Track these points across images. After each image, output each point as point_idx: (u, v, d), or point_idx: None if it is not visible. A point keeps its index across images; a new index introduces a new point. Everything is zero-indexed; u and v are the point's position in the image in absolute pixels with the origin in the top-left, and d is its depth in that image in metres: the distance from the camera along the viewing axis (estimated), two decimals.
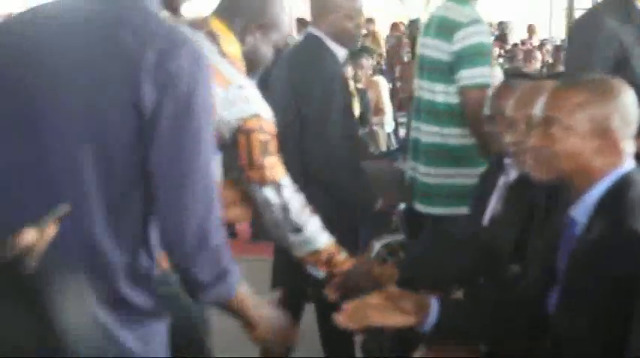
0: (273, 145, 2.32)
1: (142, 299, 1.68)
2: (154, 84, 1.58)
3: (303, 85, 3.22)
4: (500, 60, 10.33)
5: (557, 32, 16.32)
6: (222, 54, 2.33)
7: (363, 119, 6.62)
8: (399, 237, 3.78)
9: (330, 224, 2.52)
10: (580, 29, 3.21)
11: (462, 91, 3.30)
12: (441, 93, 3.37)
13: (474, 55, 3.29)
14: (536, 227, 2.29)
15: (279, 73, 3.37)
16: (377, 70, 9.29)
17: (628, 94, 1.92)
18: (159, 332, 1.74)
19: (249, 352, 3.06)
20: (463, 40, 3.29)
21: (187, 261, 1.66)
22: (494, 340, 2.14)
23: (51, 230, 1.41)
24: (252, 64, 2.35)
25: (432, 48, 3.40)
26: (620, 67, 2.95)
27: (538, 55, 9.19)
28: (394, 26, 13.61)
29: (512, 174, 2.71)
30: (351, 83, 6.35)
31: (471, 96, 3.28)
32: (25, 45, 1.66)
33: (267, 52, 2.39)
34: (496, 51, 8.71)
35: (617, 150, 1.89)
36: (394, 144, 7.26)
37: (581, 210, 1.90)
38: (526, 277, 2.17)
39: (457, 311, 2.10)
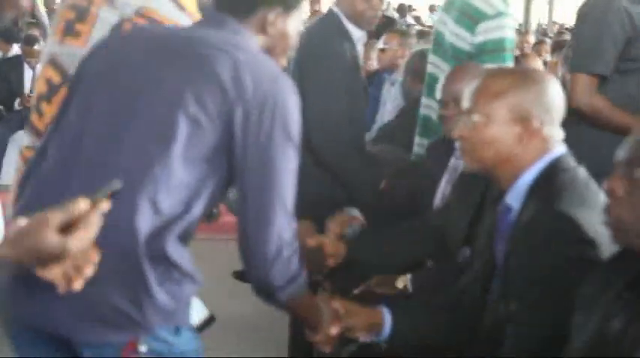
0: None
1: (183, 259, 1.78)
2: (245, 106, 1.75)
3: (307, 62, 3.20)
4: None
5: (537, 17, 16.27)
6: (181, 7, 2.38)
7: None
8: None
9: (336, 205, 2.52)
10: (590, 8, 3.10)
11: None
12: None
13: (495, 51, 3.23)
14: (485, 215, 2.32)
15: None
16: None
17: (548, 82, 1.96)
18: (187, 293, 1.82)
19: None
20: (486, 33, 3.23)
21: (265, 269, 1.82)
22: (449, 341, 2.16)
23: (104, 204, 1.41)
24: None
25: (452, 33, 3.34)
26: (631, 46, 2.92)
27: None
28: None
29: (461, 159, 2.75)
30: None
31: None
32: (134, 53, 1.88)
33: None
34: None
35: (540, 137, 1.92)
36: None
37: (515, 196, 1.93)
38: (471, 269, 2.20)
39: (409, 320, 2.14)
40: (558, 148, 1.95)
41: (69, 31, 2.51)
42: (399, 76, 4.84)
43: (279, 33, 1.96)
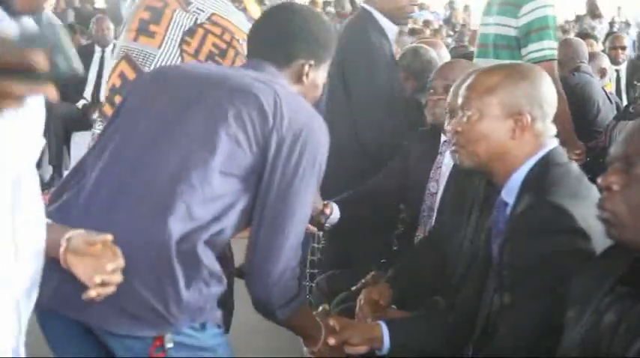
0: None
1: (211, 261, 1.89)
2: (280, 135, 1.90)
3: (348, 62, 3.24)
4: (449, 40, 10.40)
5: None
6: (250, 19, 2.55)
7: None
8: None
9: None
10: None
11: None
12: None
13: (540, 29, 3.33)
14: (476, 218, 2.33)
15: None
16: None
17: (540, 78, 1.99)
18: (213, 293, 1.91)
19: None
20: (529, 13, 3.34)
21: (267, 291, 1.96)
22: (448, 345, 2.17)
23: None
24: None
25: (495, 25, 3.42)
26: None
27: None
28: None
29: (447, 155, 2.76)
30: None
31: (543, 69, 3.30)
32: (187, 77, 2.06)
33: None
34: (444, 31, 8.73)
35: (532, 131, 1.95)
36: None
37: (510, 192, 1.95)
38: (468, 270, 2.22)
39: (406, 332, 2.17)
40: (551, 143, 1.97)
41: (143, 30, 2.66)
42: None
43: (311, 83, 2.13)
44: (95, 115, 2.72)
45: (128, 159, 1.93)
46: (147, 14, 2.69)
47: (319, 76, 2.16)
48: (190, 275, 1.83)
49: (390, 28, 3.35)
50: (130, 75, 2.62)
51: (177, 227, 1.82)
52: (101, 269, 1.66)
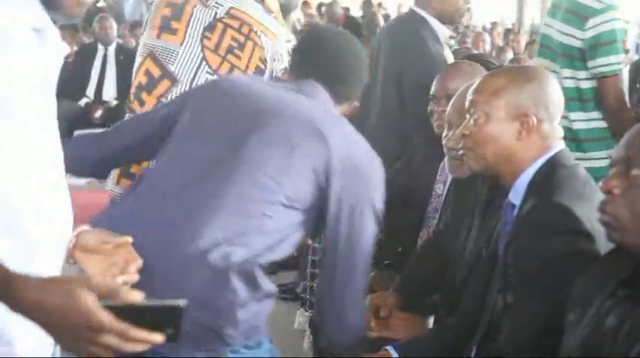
0: None
1: (265, 281, 1.98)
2: (343, 176, 1.98)
3: (407, 73, 3.23)
4: (452, 41, 10.38)
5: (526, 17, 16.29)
6: (269, 10, 2.62)
7: None
8: None
9: None
10: None
11: (601, 79, 3.30)
12: (568, 79, 3.35)
13: (609, 43, 3.28)
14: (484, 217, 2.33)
15: (380, 52, 3.38)
16: None
17: (545, 79, 2.00)
18: (266, 310, 2.00)
19: None
20: (597, 27, 3.28)
21: (348, 336, 2.06)
22: (452, 351, 2.17)
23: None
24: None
25: (559, 32, 3.38)
26: None
27: (487, 38, 9.25)
28: None
29: None
30: None
31: (611, 83, 3.29)
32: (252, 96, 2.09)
33: None
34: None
35: (539, 133, 1.95)
36: None
37: (516, 194, 1.96)
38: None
39: (415, 353, 2.17)
40: (558, 145, 1.98)
41: (165, 27, 2.70)
42: None
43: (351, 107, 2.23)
44: (125, 112, 2.83)
45: (190, 180, 1.97)
46: (168, 11, 2.72)
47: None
48: (247, 297, 1.92)
49: (443, 32, 3.35)
50: (155, 72, 2.65)
51: (238, 255, 1.90)
52: (114, 268, 1.65)
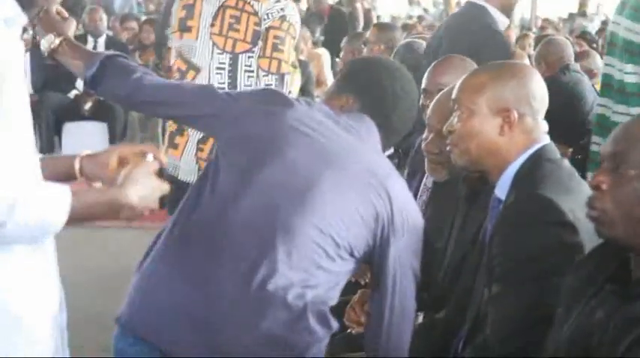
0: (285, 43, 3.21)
1: (331, 322, 2.04)
2: (399, 233, 2.02)
3: (480, 48, 3.25)
4: None
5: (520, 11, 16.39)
6: None
7: (305, 91, 6.63)
8: None
9: None
10: None
11: None
12: (632, 74, 3.34)
13: None
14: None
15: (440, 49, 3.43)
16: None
17: (528, 75, 2.02)
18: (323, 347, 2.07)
19: None
20: None
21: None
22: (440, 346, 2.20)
23: None
24: None
25: (624, 28, 3.38)
26: None
27: None
28: None
29: None
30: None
31: None
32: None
33: None
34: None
35: (521, 128, 1.97)
36: None
37: (502, 188, 1.97)
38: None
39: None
40: (543, 139, 1.99)
41: (183, 27, 3.25)
42: None
43: None
44: None
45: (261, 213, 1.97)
46: (183, 13, 3.24)
47: None
48: (322, 335, 2.01)
49: (502, 21, 3.42)
50: (183, 67, 3.24)
51: (309, 293, 1.97)
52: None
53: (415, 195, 2.90)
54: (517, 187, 1.92)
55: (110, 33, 8.14)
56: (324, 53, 7.97)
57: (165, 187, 1.62)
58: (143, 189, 1.56)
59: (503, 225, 1.88)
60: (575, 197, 1.82)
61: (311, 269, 1.96)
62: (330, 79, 7.71)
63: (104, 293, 3.96)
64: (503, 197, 1.96)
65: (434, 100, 2.45)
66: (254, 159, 2.00)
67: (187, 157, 3.27)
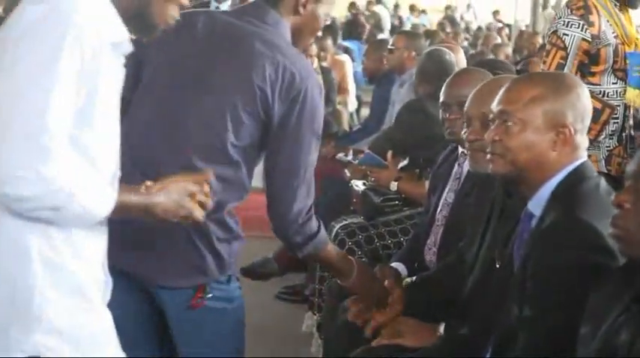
0: None
1: (234, 224, 2.19)
2: (281, 96, 2.09)
3: None
4: (465, 44, 10.37)
5: (522, 16, 16.43)
6: None
7: (327, 98, 6.62)
8: (357, 219, 3.81)
9: None
10: None
11: None
12: None
13: None
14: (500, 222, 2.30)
15: None
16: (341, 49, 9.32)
17: (581, 90, 1.96)
18: (235, 249, 2.21)
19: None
20: None
21: (287, 229, 2.20)
22: None
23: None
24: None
25: None
26: None
27: (498, 38, 9.23)
28: None
29: (465, 166, 2.74)
30: (315, 61, 6.34)
31: None
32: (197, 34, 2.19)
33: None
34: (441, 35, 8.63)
35: (571, 144, 1.92)
36: (356, 124, 7.28)
37: (537, 203, 1.93)
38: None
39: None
40: (583, 156, 1.95)
41: None
42: (408, 76, 4.87)
43: (310, 14, 2.21)
44: None
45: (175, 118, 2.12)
46: None
47: (320, 8, 2.23)
48: (221, 236, 2.13)
49: None
50: None
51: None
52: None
53: (435, 210, 2.89)
54: (556, 206, 1.87)
55: None
56: (347, 60, 7.95)
57: (190, 207, 1.78)
58: (170, 203, 1.76)
59: (541, 247, 1.83)
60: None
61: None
62: (351, 85, 7.71)
63: None
64: (536, 212, 1.92)
65: (474, 91, 2.40)
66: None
67: None
